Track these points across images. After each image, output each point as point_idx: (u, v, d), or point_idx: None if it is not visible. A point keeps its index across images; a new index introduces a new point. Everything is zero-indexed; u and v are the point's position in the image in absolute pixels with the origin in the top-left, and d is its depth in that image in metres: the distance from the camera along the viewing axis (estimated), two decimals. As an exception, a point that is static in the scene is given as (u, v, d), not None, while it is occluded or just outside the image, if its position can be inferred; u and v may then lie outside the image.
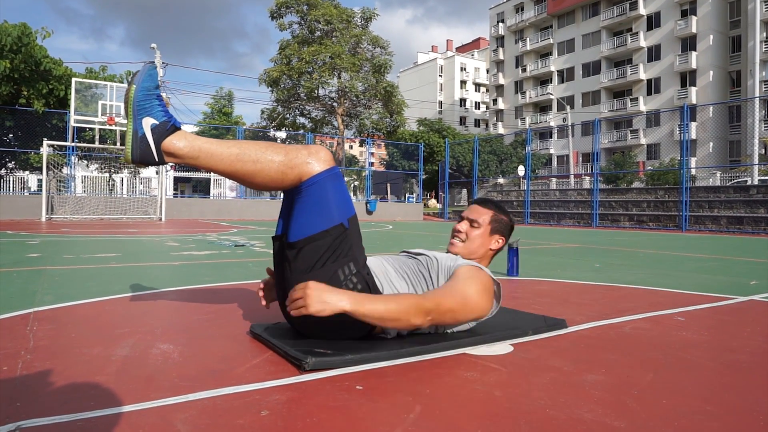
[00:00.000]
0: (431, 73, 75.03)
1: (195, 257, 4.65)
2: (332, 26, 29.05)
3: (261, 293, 1.88)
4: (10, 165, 20.55)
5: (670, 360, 1.57)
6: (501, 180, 32.77)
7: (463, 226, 1.92)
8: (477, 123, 71.51)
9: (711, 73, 38.25)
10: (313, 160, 1.54)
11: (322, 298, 1.37)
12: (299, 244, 1.54)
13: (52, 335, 1.76)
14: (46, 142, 13.67)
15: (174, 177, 32.89)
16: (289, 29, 30.59)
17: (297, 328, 1.66)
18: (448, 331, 1.73)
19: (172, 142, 1.50)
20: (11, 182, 20.14)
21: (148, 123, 1.48)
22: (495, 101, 56.86)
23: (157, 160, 1.50)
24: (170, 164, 1.57)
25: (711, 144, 36.94)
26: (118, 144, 14.83)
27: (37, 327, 1.88)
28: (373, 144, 34.42)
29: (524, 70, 52.08)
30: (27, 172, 21.97)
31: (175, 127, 1.51)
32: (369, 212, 20.28)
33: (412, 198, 29.29)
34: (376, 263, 1.73)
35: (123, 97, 1.74)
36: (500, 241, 1.91)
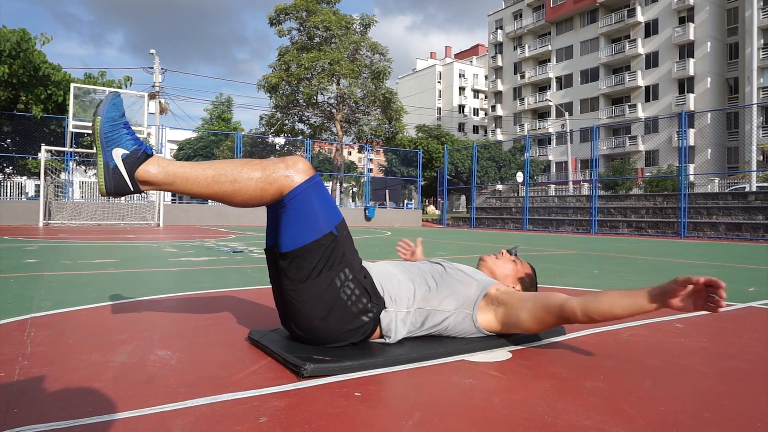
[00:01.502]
0: (430, 80, 75.23)
1: (193, 263, 4.64)
2: (331, 33, 29.15)
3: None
4: (7, 170, 20.54)
5: (669, 367, 1.57)
6: (499, 186, 32.83)
7: (507, 255, 2.04)
8: (476, 129, 71.66)
9: (709, 80, 38.42)
10: (291, 172, 1.51)
11: None
12: (292, 254, 1.53)
13: (50, 341, 1.76)
14: (44, 147, 13.67)
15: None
16: (288, 35, 30.70)
17: (295, 335, 1.66)
18: (452, 335, 1.74)
19: (146, 170, 1.46)
20: (9, 187, 20.12)
21: (118, 154, 1.45)
22: (493, 108, 57.04)
23: (132, 189, 1.47)
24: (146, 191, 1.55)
25: (709, 151, 37.05)
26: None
27: (35, 333, 1.87)
28: (372, 150, 34.47)
29: (523, 77, 52.25)
30: (25, 178, 21.95)
31: (147, 154, 1.48)
32: (368, 218, 20.28)
33: (411, 204, 29.29)
34: (378, 267, 1.74)
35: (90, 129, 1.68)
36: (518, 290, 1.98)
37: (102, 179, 1.45)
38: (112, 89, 15.37)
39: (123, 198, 17.81)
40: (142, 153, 1.47)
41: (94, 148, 1.47)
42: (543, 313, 1.60)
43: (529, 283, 2.00)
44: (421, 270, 1.79)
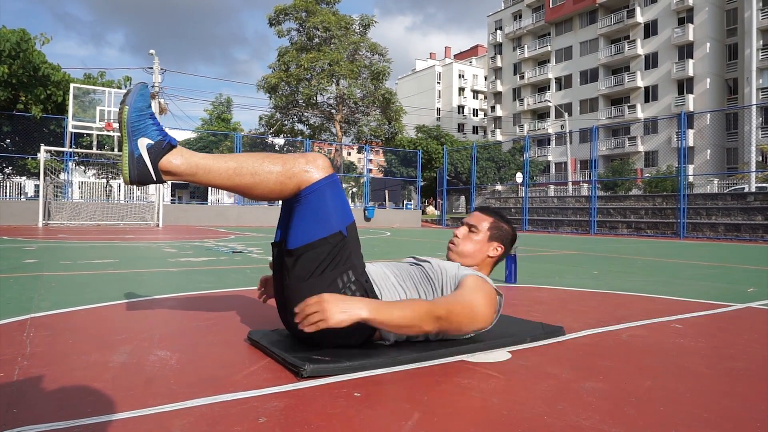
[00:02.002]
0: (429, 80, 75.24)
1: (192, 264, 4.64)
2: (331, 33, 29.17)
3: (259, 290, 1.96)
4: (7, 170, 20.53)
5: (668, 367, 1.57)
6: (499, 187, 32.84)
7: (462, 231, 1.94)
8: (475, 130, 71.65)
9: (708, 80, 38.43)
10: (311, 168, 1.54)
11: (341, 308, 1.35)
12: (298, 252, 1.54)
13: (49, 342, 1.75)
14: (43, 147, 13.66)
15: (171, 183, 32.91)
16: (287, 36, 30.71)
17: (296, 335, 1.66)
18: (449, 337, 1.73)
19: (169, 160, 1.50)
20: (8, 188, 20.12)
21: (143, 143, 1.48)
22: (493, 108, 57.05)
23: (155, 179, 1.51)
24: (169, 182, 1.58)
25: (708, 151, 37.07)
26: (116, 150, 14.85)
27: (34, 333, 1.87)
28: (372, 151, 34.50)
29: (522, 78, 52.26)
30: (24, 178, 21.96)
31: (171, 145, 1.52)
32: (367, 219, 20.28)
33: (411, 205, 29.29)
34: (376, 270, 1.73)
35: (116, 118, 1.73)
36: (499, 248, 1.91)
37: (126, 168, 1.48)
38: (113, 89, 15.35)
39: (122, 198, 17.81)
40: (166, 144, 1.51)
41: (120, 137, 1.50)
42: None
43: (502, 236, 1.92)
44: (410, 274, 1.77)
